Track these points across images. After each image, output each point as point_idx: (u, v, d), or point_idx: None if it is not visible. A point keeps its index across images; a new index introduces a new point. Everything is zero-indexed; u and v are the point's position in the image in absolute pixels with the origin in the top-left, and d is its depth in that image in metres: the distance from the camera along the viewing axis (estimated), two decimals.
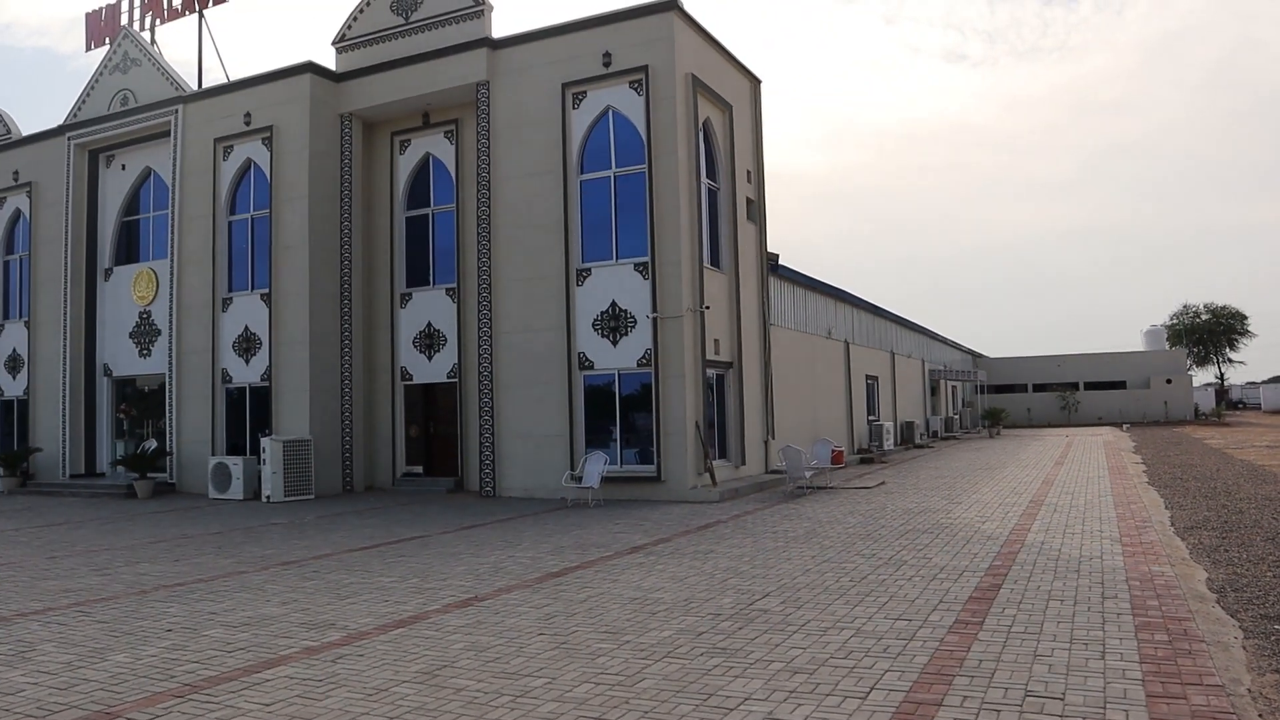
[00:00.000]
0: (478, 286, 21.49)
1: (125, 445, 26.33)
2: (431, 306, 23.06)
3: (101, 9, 26.94)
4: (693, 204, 20.28)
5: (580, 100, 20.76)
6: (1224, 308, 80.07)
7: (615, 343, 20.15)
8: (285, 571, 11.91)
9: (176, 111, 24.57)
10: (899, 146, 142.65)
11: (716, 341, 21.08)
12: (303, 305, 22.34)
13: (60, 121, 26.88)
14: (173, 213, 24.45)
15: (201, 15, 25.58)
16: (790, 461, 20.35)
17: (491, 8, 21.95)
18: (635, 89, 20.17)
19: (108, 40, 26.71)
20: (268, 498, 21.13)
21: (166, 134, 25.10)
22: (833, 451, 22.11)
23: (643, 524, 15.78)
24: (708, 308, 20.38)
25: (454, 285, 22.65)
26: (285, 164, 22.82)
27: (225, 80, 24.76)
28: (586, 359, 20.39)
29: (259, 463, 21.94)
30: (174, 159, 24.51)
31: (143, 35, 25.98)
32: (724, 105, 22.19)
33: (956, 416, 49.66)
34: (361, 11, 23.34)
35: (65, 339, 26.07)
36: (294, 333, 22.44)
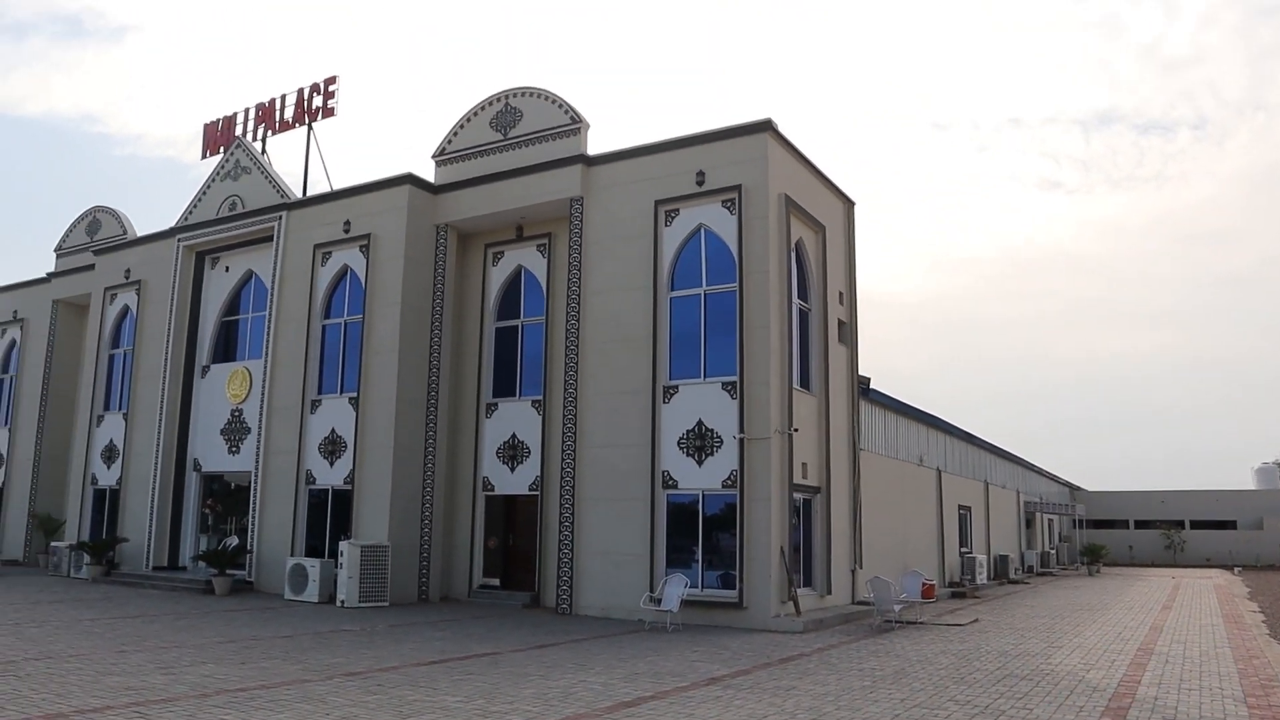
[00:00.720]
0: (564, 399, 21.35)
1: (208, 540, 26.52)
2: (517, 417, 22.97)
3: (219, 120, 28.25)
4: (783, 324, 19.99)
5: (673, 217, 20.82)
6: None
7: (700, 462, 19.71)
8: (349, 683, 11.53)
9: (281, 217, 25.39)
10: (995, 273, 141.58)
11: (804, 465, 20.48)
12: (389, 411, 22.46)
13: (172, 224, 28.00)
14: (270, 314, 25.05)
15: (310, 127, 26.62)
16: (878, 593, 19.44)
17: (588, 125, 22.36)
18: (728, 208, 20.17)
19: (222, 149, 27.92)
20: (342, 602, 20.89)
21: (269, 239, 25.92)
22: (923, 584, 21.10)
23: (721, 653, 15.08)
24: (796, 430, 19.86)
25: (540, 397, 22.57)
26: (380, 271, 23.27)
27: (329, 188, 25.59)
28: (670, 477, 19.95)
29: (336, 566, 21.80)
30: (275, 263, 25.22)
31: (254, 145, 27.11)
32: (817, 226, 22.04)
33: (1053, 551, 47.54)
34: (462, 127, 24.00)
35: (160, 432, 26.62)
36: (379, 437, 22.51)
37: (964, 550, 33.32)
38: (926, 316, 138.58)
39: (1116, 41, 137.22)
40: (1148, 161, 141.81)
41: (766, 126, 20.02)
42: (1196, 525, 59.33)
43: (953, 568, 31.57)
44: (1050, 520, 50.94)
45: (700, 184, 20.50)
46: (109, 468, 28.28)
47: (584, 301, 21.46)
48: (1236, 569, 50.65)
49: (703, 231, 20.53)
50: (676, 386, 20.25)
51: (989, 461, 38.96)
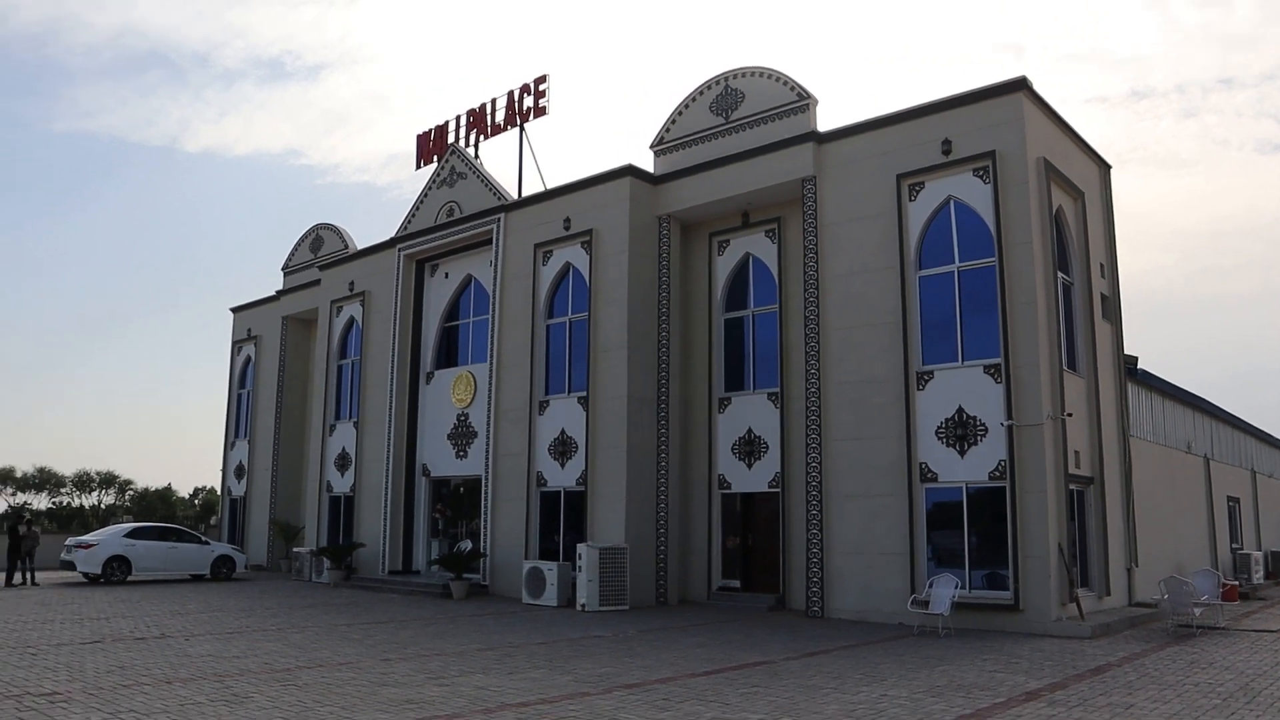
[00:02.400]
0: (805, 390, 20.14)
1: (439, 544, 26.66)
2: (751, 412, 21.91)
3: (430, 130, 28.45)
4: (1050, 300, 18.16)
5: (917, 191, 19.29)
6: None
7: (962, 453, 18.10)
8: (631, 697, 10.66)
9: (499, 220, 25.23)
10: (1206, 247, 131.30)
11: (1076, 453, 18.55)
12: (620, 409, 21.81)
13: (391, 235, 28.39)
14: (493, 317, 24.90)
15: (522, 128, 26.39)
16: (1174, 594, 17.33)
17: (817, 101, 21.09)
18: (980, 176, 18.48)
19: (436, 158, 28.09)
20: (583, 606, 20.33)
21: (488, 242, 25.82)
22: (1224, 585, 18.75)
23: (1015, 661, 13.53)
24: (1069, 415, 17.99)
25: (776, 389, 21.43)
26: (604, 267, 22.68)
27: (543, 188, 25.26)
28: (929, 470, 18.42)
29: (574, 569, 21.31)
30: (495, 265, 25.07)
31: (468, 151, 27.11)
32: (1075, 192, 20.04)
33: None
34: (680, 114, 23.17)
35: (389, 439, 26.97)
36: (611, 437, 21.89)
37: (1235, 546, 30.11)
38: (1148, 298, 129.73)
39: None
40: None
41: (1021, 85, 18.24)
42: None
43: (1224, 565, 28.51)
44: None
45: (947, 153, 18.89)
46: (342, 475, 28.91)
47: (823, 286, 20.19)
48: None
49: (952, 204, 18.92)
50: (931, 372, 18.70)
51: (1254, 447, 35.28)
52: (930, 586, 17.16)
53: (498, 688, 11.16)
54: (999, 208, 18.05)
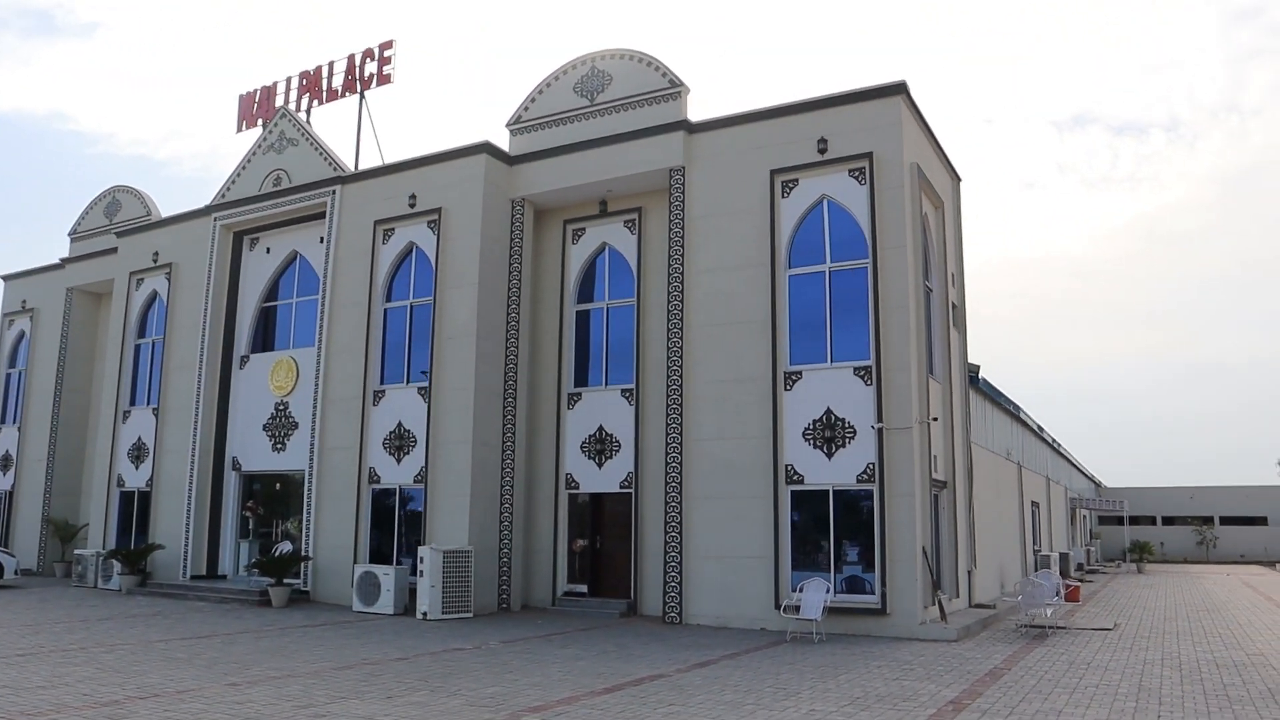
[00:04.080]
0: (666, 388, 19.41)
1: (250, 546, 24.27)
2: (604, 408, 20.98)
3: (255, 91, 25.97)
4: (919, 304, 18.20)
5: (790, 188, 18.94)
6: None
7: (830, 455, 17.84)
8: None
9: (334, 192, 23.22)
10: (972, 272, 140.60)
11: (935, 458, 18.70)
12: (467, 402, 20.39)
13: (206, 203, 25.73)
14: (323, 298, 22.86)
15: (362, 96, 24.45)
16: (1028, 595, 17.75)
17: (688, 89, 20.42)
18: (856, 177, 18.31)
19: (261, 122, 25.66)
20: (424, 614, 18.82)
21: (319, 216, 23.74)
22: (1067, 586, 19.37)
23: (909, 668, 13.26)
24: (935, 419, 18.09)
25: (631, 386, 20.60)
26: (453, 249, 21.19)
27: (382, 162, 23.43)
28: (795, 472, 18.06)
29: (411, 574, 19.77)
30: (329, 241, 23.04)
31: (299, 116, 24.88)
32: (938, 200, 20.31)
33: (1091, 549, 46.18)
34: (541, 93, 21.97)
35: (196, 429, 24.35)
36: (455, 431, 20.44)
37: (1036, 548, 31.77)
38: None
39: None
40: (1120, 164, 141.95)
41: (900, 90, 18.21)
42: (1226, 521, 58.34)
43: (1029, 567, 29.97)
44: (1084, 516, 49.65)
45: (823, 152, 18.63)
46: (137, 468, 25.93)
47: (688, 281, 19.53)
48: (1279, 564, 49.62)
49: (826, 203, 18.67)
50: (799, 372, 18.37)
51: (1048, 455, 37.47)
52: (800, 591, 16.77)
53: (385, 716, 9.75)
54: (875, 210, 17.91)
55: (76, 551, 25.75)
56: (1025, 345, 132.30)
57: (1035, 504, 32.51)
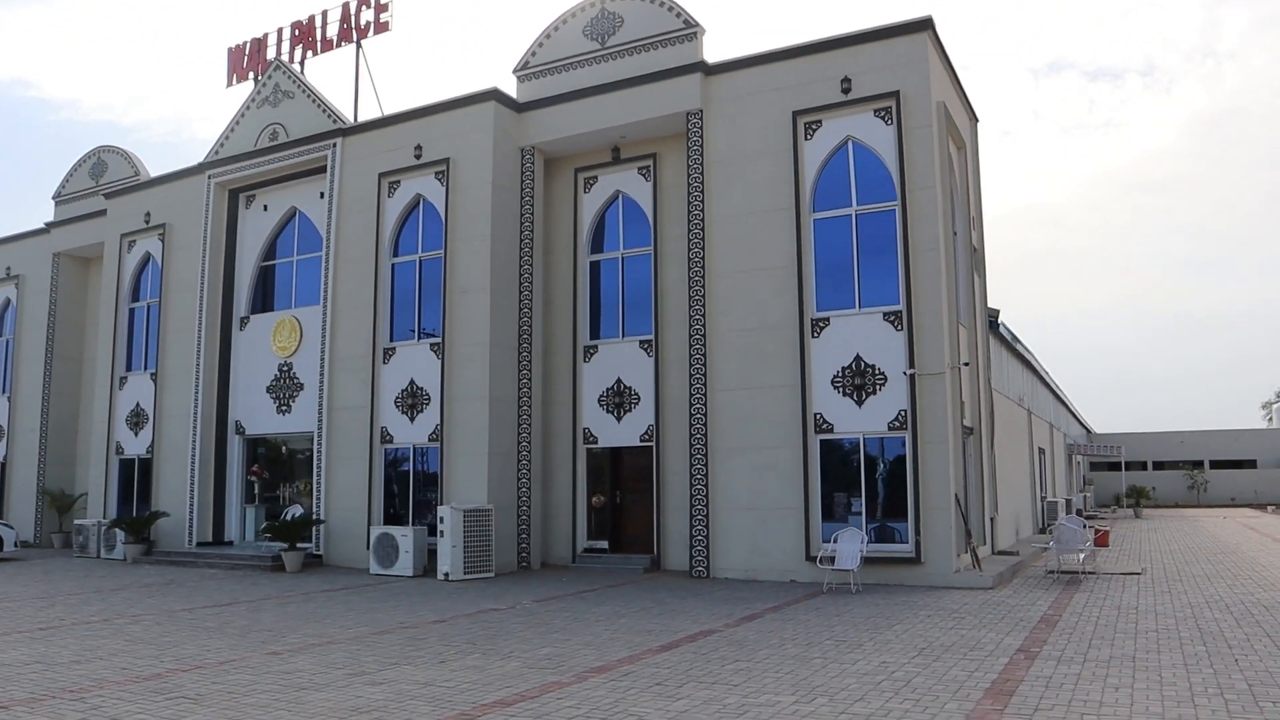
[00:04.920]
0: (689, 338, 18.92)
1: (256, 511, 23.76)
2: (621, 361, 20.50)
3: (245, 43, 25.02)
4: (949, 247, 17.75)
5: (814, 130, 18.38)
6: None
7: (860, 402, 17.46)
8: (615, 684, 9.10)
9: (335, 145, 22.44)
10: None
11: (963, 404, 18.37)
12: (482, 356, 19.85)
13: (200, 160, 24.87)
14: (327, 254, 22.17)
15: (359, 46, 23.56)
16: (1062, 540, 17.53)
17: (704, 30, 19.73)
18: (882, 118, 17.77)
19: (252, 76, 24.76)
20: (446, 575, 18.41)
21: (318, 170, 22.97)
22: (1097, 532, 19.18)
23: (959, 617, 12.99)
24: (966, 364, 17.73)
25: (650, 337, 20.12)
26: (463, 201, 20.53)
27: (380, 114, 22.65)
28: (824, 421, 17.68)
29: (431, 534, 19.34)
30: (331, 196, 22.31)
31: (294, 67, 24.01)
32: (960, 141, 19.83)
33: (1087, 494, 46.35)
34: (549, 36, 21.22)
35: (197, 393, 23.70)
36: (471, 388, 19.92)
37: (1043, 495, 31.70)
38: None
39: None
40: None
41: (926, 26, 17.63)
42: (1216, 465, 58.75)
43: (1038, 514, 29.91)
44: (1078, 462, 49.79)
45: (846, 92, 18.06)
46: (136, 435, 25.28)
47: (709, 228, 18.98)
48: (1270, 507, 50.02)
49: (851, 145, 18.13)
50: (827, 319, 17.93)
51: (1051, 402, 37.35)
52: (834, 542, 16.45)
53: (445, 683, 9.33)
54: (903, 150, 17.40)
55: (77, 522, 25.12)
56: (1007, 297, 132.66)
57: (1041, 450, 32.40)
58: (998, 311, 22.30)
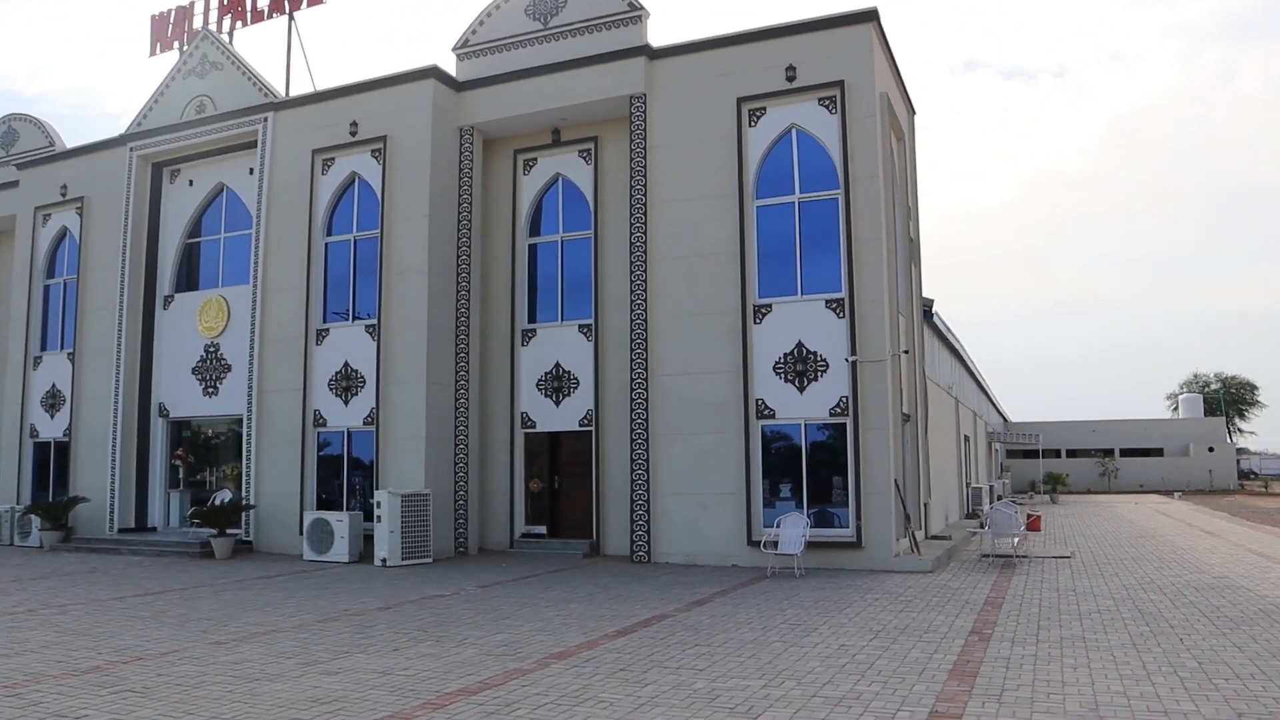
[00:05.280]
0: (631, 322, 18.84)
1: (181, 496, 23.07)
2: (560, 345, 20.34)
3: (170, 11, 24.16)
4: (891, 236, 17.96)
5: (758, 117, 18.42)
6: (1234, 377, 79.27)
7: (802, 389, 17.60)
8: (579, 671, 9.00)
9: (266, 120, 21.80)
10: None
11: (901, 392, 18.65)
12: (419, 339, 19.53)
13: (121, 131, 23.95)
14: (258, 232, 21.54)
15: (291, 18, 22.92)
16: (998, 524, 17.94)
17: (649, 14, 19.60)
18: (826, 106, 17.89)
19: (177, 46, 23.91)
20: (384, 561, 18.10)
21: (247, 146, 22.31)
22: (1029, 517, 19.66)
23: (906, 600, 13.19)
24: (906, 351, 17.99)
25: (589, 321, 20.00)
26: (400, 179, 20.13)
27: (313, 89, 22.07)
28: (766, 407, 17.79)
29: (367, 520, 18.99)
30: (261, 172, 21.67)
31: (223, 38, 23.23)
32: (900, 133, 20.06)
33: (1005, 481, 47.58)
34: (490, 15, 20.88)
35: (119, 374, 22.87)
36: (408, 371, 19.58)
37: (968, 481, 32.41)
38: None
39: None
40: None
41: (871, 17, 17.77)
42: (1126, 453, 60.80)
43: (964, 500, 30.60)
44: (995, 450, 51.06)
45: (791, 80, 18.13)
46: (52, 417, 24.31)
47: (651, 212, 18.91)
48: (1177, 493, 51.97)
49: (794, 133, 18.21)
50: (769, 305, 18.02)
51: (973, 390, 38.19)
52: (778, 526, 16.57)
53: (404, 671, 9.14)
54: (847, 140, 17.53)
55: None
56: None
57: (966, 438, 33.13)
58: (931, 301, 22.69)
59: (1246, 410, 78.44)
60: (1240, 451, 71.83)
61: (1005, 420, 60.66)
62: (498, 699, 7.96)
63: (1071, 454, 60.76)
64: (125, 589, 15.46)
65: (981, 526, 19.08)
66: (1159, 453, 60.52)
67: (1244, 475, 74.06)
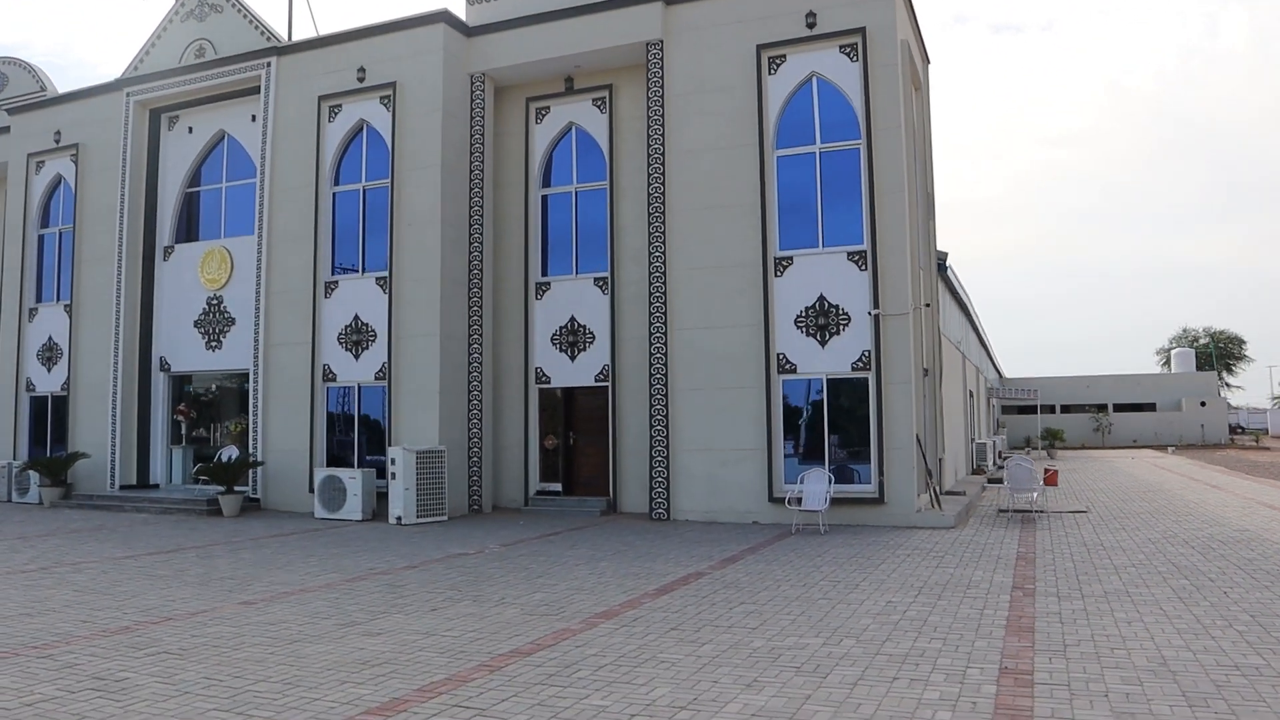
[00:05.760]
0: (649, 275, 18.48)
1: (184, 453, 22.71)
2: (575, 298, 19.98)
3: None
4: (913, 188, 17.61)
5: (778, 65, 17.95)
6: (1222, 332, 79.56)
7: (823, 343, 17.33)
8: (631, 631, 8.78)
9: (269, 65, 21.18)
10: None
11: (922, 345, 18.40)
12: (432, 292, 19.12)
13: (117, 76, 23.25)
14: (262, 181, 21.01)
15: None
16: (1017, 478, 17.81)
17: None
18: (848, 54, 17.43)
19: None
20: (398, 519, 17.83)
21: (250, 91, 21.69)
22: (1047, 471, 19.55)
23: (938, 556, 13.05)
24: (928, 305, 17.72)
25: (605, 274, 19.63)
26: (411, 128, 19.60)
27: (316, 34, 21.44)
28: (787, 361, 17.52)
29: (379, 477, 18.71)
30: (265, 119, 21.09)
31: None
32: (918, 83, 19.60)
33: (1001, 437, 47.64)
34: None
35: (118, 327, 22.40)
36: (420, 324, 19.20)
37: (972, 437, 32.34)
38: None
39: None
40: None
41: None
42: (1120, 408, 60.95)
43: (969, 456, 30.52)
44: (992, 405, 51.07)
45: (811, 26, 17.65)
46: (49, 371, 23.84)
47: (669, 162, 18.47)
48: (1170, 448, 52.19)
49: (815, 81, 17.76)
50: (790, 258, 17.68)
51: (975, 345, 38.03)
52: (800, 483, 16.37)
53: (448, 632, 8.89)
54: (869, 89, 17.11)
55: None
56: None
57: (971, 393, 33.02)
58: (945, 254, 22.40)
59: (1234, 365, 78.79)
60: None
61: (1000, 376, 60.68)
62: (554, 660, 7.74)
63: (1065, 409, 60.87)
64: (137, 546, 15.16)
65: (989, 481, 18.91)
66: (1151, 408, 60.72)
67: (1232, 430, 74.56)
